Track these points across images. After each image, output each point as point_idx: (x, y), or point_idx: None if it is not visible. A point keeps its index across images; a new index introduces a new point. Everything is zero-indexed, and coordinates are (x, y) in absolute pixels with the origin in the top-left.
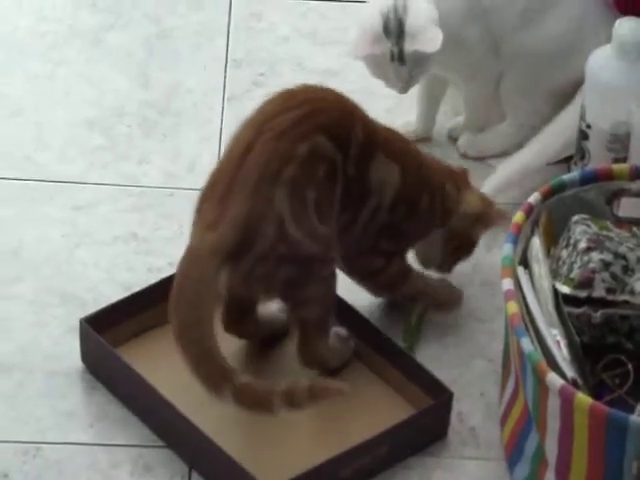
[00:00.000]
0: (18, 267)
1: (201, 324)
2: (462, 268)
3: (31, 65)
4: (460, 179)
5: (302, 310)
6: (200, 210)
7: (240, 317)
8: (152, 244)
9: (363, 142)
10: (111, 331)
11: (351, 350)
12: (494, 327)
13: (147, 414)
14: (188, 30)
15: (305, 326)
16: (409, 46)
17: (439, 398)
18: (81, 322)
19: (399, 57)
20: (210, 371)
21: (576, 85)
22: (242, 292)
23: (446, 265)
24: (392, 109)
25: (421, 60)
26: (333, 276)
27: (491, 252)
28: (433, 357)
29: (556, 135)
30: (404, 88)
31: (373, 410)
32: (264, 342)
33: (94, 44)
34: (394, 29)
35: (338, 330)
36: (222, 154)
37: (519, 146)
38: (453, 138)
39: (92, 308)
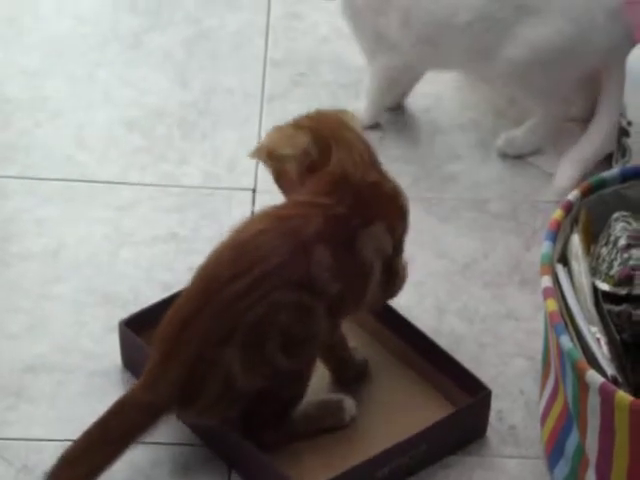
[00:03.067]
0: (59, 267)
1: None
2: (501, 267)
3: (71, 67)
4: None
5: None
6: (147, 363)
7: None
8: (192, 244)
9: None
10: (150, 332)
11: (343, 421)
12: (533, 325)
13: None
14: (227, 31)
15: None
16: None
17: (478, 396)
18: (120, 324)
19: None
20: None
21: (597, 69)
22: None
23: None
24: (431, 108)
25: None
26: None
27: (530, 251)
28: (472, 356)
29: (608, 127)
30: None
31: (412, 408)
32: None
33: (134, 46)
34: None
35: (342, 399)
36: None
37: (553, 140)
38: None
39: (132, 308)
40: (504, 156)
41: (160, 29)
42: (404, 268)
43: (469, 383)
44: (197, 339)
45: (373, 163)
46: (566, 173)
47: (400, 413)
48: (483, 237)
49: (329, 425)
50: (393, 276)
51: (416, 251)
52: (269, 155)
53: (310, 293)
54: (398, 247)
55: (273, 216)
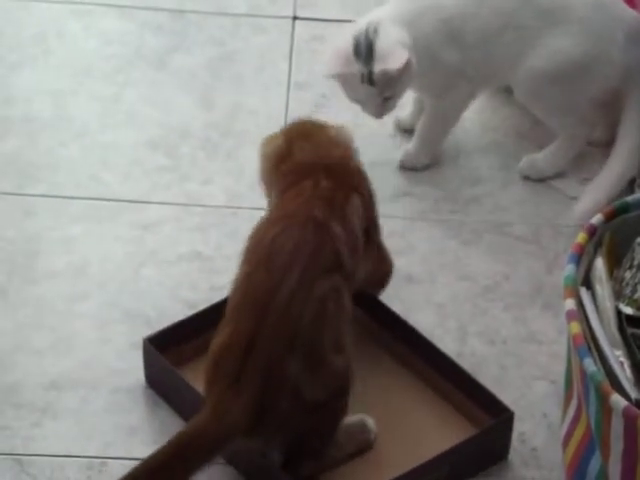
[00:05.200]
0: (84, 284)
1: None
2: (523, 290)
3: (97, 87)
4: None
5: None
6: (210, 393)
7: None
8: (216, 262)
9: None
10: (174, 350)
11: (368, 442)
12: (555, 349)
13: None
14: (251, 53)
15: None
16: (378, 67)
17: (500, 417)
18: (144, 341)
19: (368, 78)
20: None
21: (615, 89)
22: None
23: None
24: (453, 131)
25: (390, 81)
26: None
27: (552, 274)
28: (494, 378)
29: (631, 151)
30: (378, 112)
31: (434, 430)
32: None
33: (159, 66)
34: (364, 51)
35: (363, 419)
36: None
37: (575, 164)
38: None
39: (156, 325)
40: (526, 179)
41: (185, 50)
42: (386, 249)
43: (491, 405)
44: (263, 358)
45: (337, 145)
46: (590, 199)
47: (422, 435)
48: (505, 260)
49: (356, 448)
50: (372, 247)
51: (438, 273)
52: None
53: (339, 274)
54: (372, 217)
55: (276, 218)
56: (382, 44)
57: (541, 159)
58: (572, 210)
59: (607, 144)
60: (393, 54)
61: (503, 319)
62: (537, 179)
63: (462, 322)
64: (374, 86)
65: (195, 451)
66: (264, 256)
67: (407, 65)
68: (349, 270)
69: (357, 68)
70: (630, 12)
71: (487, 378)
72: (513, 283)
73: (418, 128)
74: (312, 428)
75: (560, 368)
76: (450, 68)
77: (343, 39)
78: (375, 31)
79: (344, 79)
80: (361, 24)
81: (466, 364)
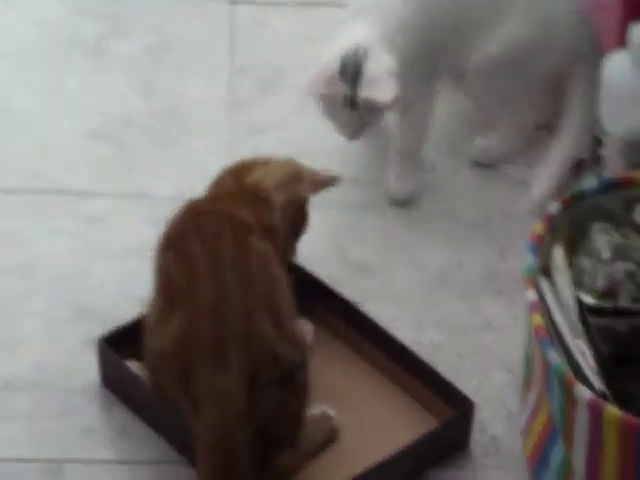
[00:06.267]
0: (31, 282)
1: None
2: (477, 277)
3: (34, 76)
4: (255, 164)
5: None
6: (195, 384)
7: None
8: None
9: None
10: (129, 348)
11: (335, 430)
12: (511, 336)
13: (167, 430)
14: (190, 38)
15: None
16: (363, 92)
17: (461, 408)
18: (99, 340)
19: (351, 102)
20: None
21: (562, 72)
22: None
23: (291, 248)
24: None
25: (373, 109)
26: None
27: (506, 260)
28: (452, 367)
29: (577, 131)
30: (353, 135)
31: (395, 422)
32: None
33: (97, 53)
34: (351, 73)
35: (325, 410)
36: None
37: (523, 148)
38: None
39: (108, 323)
40: (476, 165)
41: (123, 36)
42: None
43: (452, 395)
44: (238, 323)
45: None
46: (542, 182)
47: (384, 427)
48: (458, 247)
49: (324, 438)
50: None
51: (394, 263)
52: None
53: (268, 241)
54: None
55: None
56: (372, 70)
57: (491, 144)
58: (523, 194)
59: (552, 127)
60: (382, 84)
61: (459, 307)
62: (487, 164)
63: (418, 311)
64: (356, 110)
65: (226, 454)
66: (188, 232)
67: (395, 98)
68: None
69: (341, 89)
70: None
71: (445, 367)
72: (467, 270)
73: (394, 152)
74: (283, 409)
75: (517, 356)
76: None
77: (329, 58)
78: (365, 54)
79: (325, 99)
80: (348, 42)
81: (424, 354)
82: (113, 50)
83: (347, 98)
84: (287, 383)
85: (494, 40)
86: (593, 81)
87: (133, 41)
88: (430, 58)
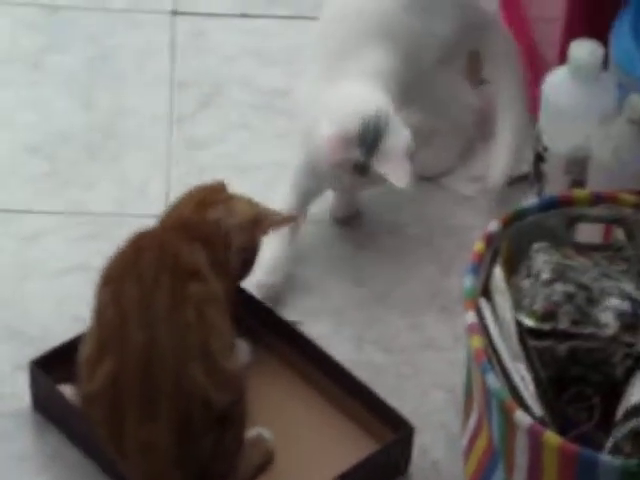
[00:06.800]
0: None
1: None
2: (419, 294)
3: None
4: (217, 197)
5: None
6: (120, 434)
7: None
8: None
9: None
10: (62, 370)
11: (270, 453)
12: (453, 356)
13: (102, 457)
14: (130, 51)
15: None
16: (378, 166)
17: (400, 432)
18: (30, 364)
19: (362, 170)
20: None
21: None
22: None
23: (238, 283)
24: None
25: (380, 181)
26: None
27: (449, 277)
28: (392, 388)
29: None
30: (347, 193)
31: (333, 446)
32: None
33: (34, 66)
34: (369, 141)
35: (260, 432)
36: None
37: (460, 159)
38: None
39: (41, 344)
40: (419, 179)
41: (60, 49)
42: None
43: (391, 418)
44: (168, 370)
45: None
46: (497, 169)
47: (321, 450)
48: (399, 263)
49: (260, 462)
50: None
51: (333, 279)
52: None
53: (203, 284)
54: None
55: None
56: (390, 144)
57: (430, 156)
58: (466, 205)
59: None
60: (399, 165)
61: (400, 325)
62: (427, 177)
63: (358, 330)
64: (362, 177)
65: None
66: (128, 270)
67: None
68: (214, 286)
69: (354, 155)
70: None
71: (385, 388)
72: (407, 287)
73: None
74: (219, 447)
75: (458, 376)
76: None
77: (347, 120)
78: (386, 123)
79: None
80: (368, 103)
81: (363, 374)
82: (51, 63)
83: (359, 165)
84: (223, 422)
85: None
86: (504, 53)
87: (71, 54)
88: None
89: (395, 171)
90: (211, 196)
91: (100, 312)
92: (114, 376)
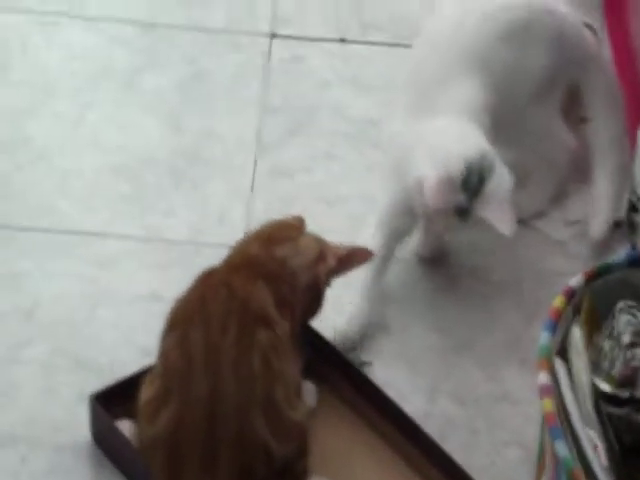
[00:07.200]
0: (32, 328)
1: None
2: (500, 344)
3: (59, 106)
4: (287, 234)
5: None
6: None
7: None
8: None
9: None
10: (124, 405)
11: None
12: (530, 411)
13: None
14: (224, 72)
15: None
16: (481, 211)
17: None
18: (90, 398)
19: (463, 214)
20: None
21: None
22: None
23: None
24: None
25: (478, 221)
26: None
27: (532, 326)
28: (464, 442)
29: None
30: (435, 233)
31: None
32: None
33: (126, 85)
34: (473, 185)
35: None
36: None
37: (556, 203)
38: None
39: (107, 375)
40: None
41: (154, 68)
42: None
43: (459, 477)
44: (232, 422)
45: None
46: (598, 220)
47: None
48: (482, 309)
49: None
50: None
51: (410, 322)
52: None
53: (272, 330)
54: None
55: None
56: (494, 188)
57: (523, 197)
58: (562, 251)
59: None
60: (502, 211)
61: (477, 376)
62: (519, 219)
63: (433, 379)
64: (464, 221)
65: None
66: (195, 313)
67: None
68: (281, 330)
69: (458, 200)
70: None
71: (456, 442)
72: (489, 335)
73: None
74: None
75: (534, 432)
76: None
77: (449, 163)
78: (491, 167)
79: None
80: (471, 145)
81: (435, 426)
82: (143, 82)
83: (460, 209)
84: (284, 474)
85: None
86: (606, 90)
87: (164, 73)
88: None
89: (499, 216)
90: (280, 233)
91: (165, 356)
92: (176, 423)
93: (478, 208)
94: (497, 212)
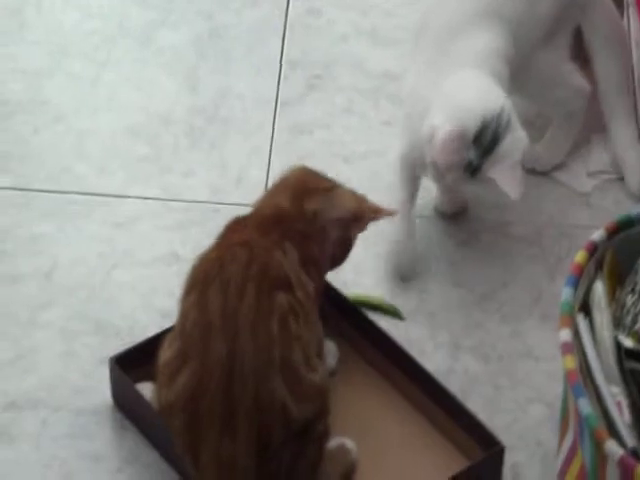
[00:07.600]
0: (50, 290)
1: None
2: (522, 299)
3: (75, 66)
4: (318, 185)
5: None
6: (198, 447)
7: None
8: None
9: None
10: (144, 369)
11: (353, 465)
12: (553, 367)
13: (179, 459)
14: (242, 28)
15: None
16: (490, 170)
17: (490, 452)
18: (110, 361)
19: (472, 171)
20: None
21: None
22: None
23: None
24: None
25: (488, 184)
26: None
27: (554, 281)
28: (487, 399)
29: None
30: (450, 189)
31: (421, 458)
32: None
33: (142, 44)
34: (487, 143)
35: (343, 442)
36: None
37: (579, 155)
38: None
39: (127, 337)
40: (530, 172)
41: (171, 25)
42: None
43: (482, 435)
44: (250, 384)
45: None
46: (633, 171)
47: (406, 465)
48: (503, 264)
49: (343, 472)
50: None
51: (431, 279)
52: None
53: (292, 294)
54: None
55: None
56: (507, 148)
57: (542, 147)
58: (581, 206)
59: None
60: (513, 173)
61: (499, 332)
62: (541, 171)
63: (454, 335)
64: (472, 178)
65: None
66: (214, 276)
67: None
68: (301, 294)
69: (468, 154)
70: None
71: (479, 399)
72: (511, 291)
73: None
74: (299, 461)
75: (557, 389)
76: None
77: (465, 117)
78: (507, 125)
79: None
80: (489, 99)
81: (457, 383)
82: (159, 40)
83: (471, 166)
84: (305, 435)
85: None
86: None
87: (181, 31)
88: None
89: (508, 178)
90: (313, 183)
91: (184, 317)
92: (194, 387)
93: (488, 167)
94: (506, 173)
